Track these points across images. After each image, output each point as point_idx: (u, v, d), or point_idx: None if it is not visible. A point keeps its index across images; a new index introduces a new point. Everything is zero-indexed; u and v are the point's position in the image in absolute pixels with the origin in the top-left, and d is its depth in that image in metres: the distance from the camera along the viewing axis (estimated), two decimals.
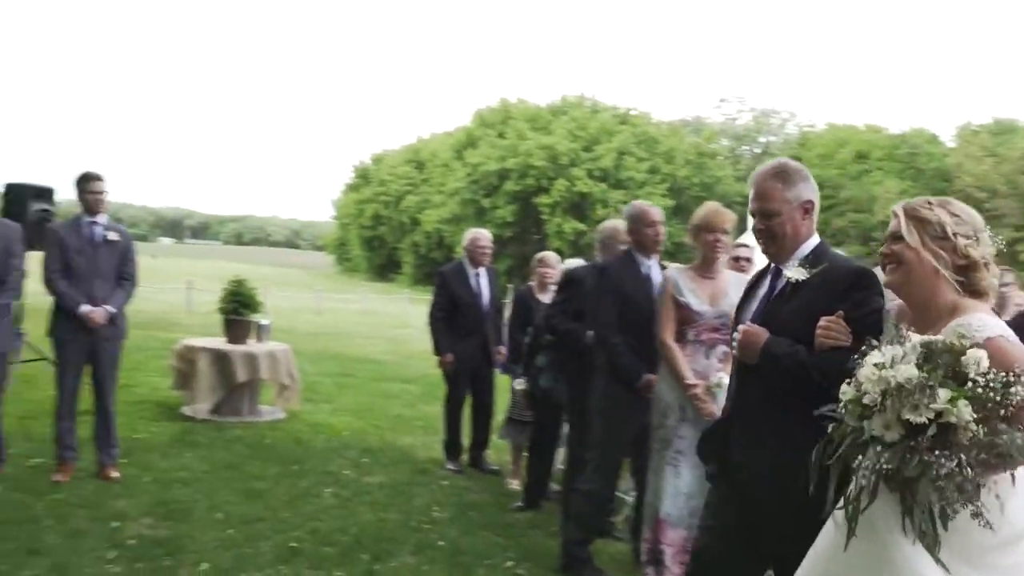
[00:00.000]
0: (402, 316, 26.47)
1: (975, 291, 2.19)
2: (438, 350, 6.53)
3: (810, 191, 2.71)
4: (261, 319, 7.90)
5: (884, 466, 1.91)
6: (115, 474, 5.34)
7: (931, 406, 1.87)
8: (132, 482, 5.28)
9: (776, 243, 2.71)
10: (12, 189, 8.08)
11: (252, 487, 5.38)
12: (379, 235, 65.88)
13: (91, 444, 5.46)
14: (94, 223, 5.39)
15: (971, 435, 1.85)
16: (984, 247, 2.19)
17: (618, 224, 5.06)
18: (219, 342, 7.58)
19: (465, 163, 55.65)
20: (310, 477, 5.74)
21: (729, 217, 4.13)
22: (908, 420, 1.89)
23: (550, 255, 6.38)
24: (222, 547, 4.30)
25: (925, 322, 2.19)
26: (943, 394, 1.87)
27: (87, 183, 5.40)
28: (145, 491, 5.12)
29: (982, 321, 2.07)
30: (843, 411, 2.04)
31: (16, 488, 4.94)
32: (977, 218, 2.23)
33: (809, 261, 2.65)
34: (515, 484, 5.92)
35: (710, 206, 4.19)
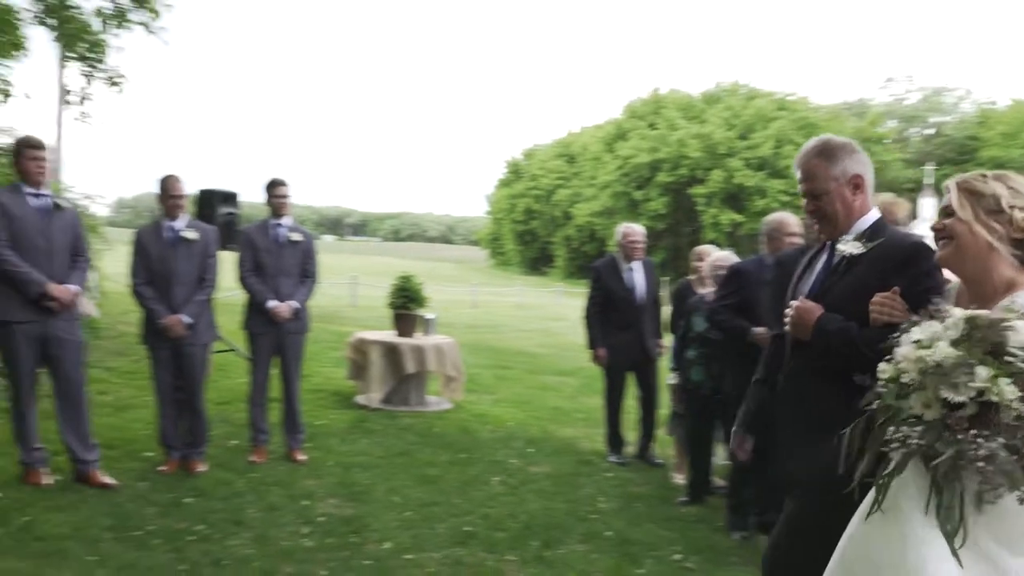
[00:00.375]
0: (556, 309, 26.76)
1: None
2: (591, 344, 6.62)
3: (859, 165, 2.64)
4: (427, 313, 8.26)
5: (916, 442, 1.84)
6: (302, 457, 5.77)
7: (971, 384, 1.78)
8: (317, 464, 5.69)
9: (828, 222, 2.65)
10: (204, 194, 8.82)
11: (425, 473, 5.66)
12: (531, 229, 66.66)
13: (280, 429, 5.92)
14: (279, 225, 5.83)
15: (1016, 414, 1.75)
16: None
17: (784, 216, 4.96)
18: (389, 335, 7.99)
19: (616, 155, 55.37)
20: (478, 465, 5.97)
21: (903, 207, 3.97)
22: (947, 399, 1.81)
23: (706, 248, 6.30)
24: (402, 528, 4.58)
25: (981, 299, 2.09)
26: (983, 372, 1.78)
27: (274, 188, 5.86)
28: (329, 473, 5.51)
29: None
30: (882, 389, 1.98)
31: (219, 466, 5.44)
32: None
33: (866, 236, 2.58)
34: (680, 478, 5.93)
35: (885, 198, 4.03)
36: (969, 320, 1.89)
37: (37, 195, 4.81)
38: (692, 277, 6.14)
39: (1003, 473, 1.76)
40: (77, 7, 9.32)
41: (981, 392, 1.78)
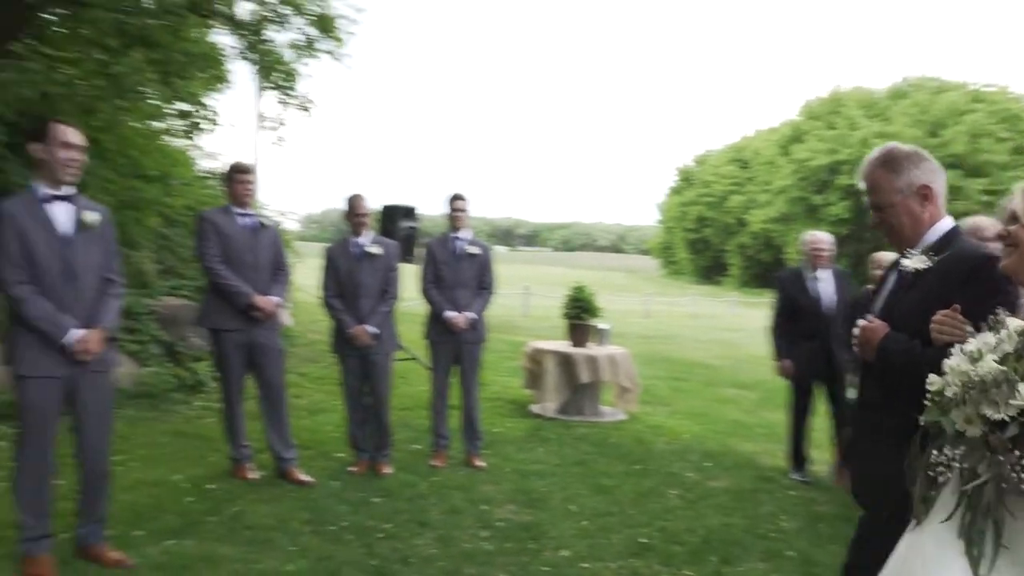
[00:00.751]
0: (732, 319, 26.03)
1: None
2: (776, 355, 6.37)
3: (926, 174, 2.49)
4: (601, 323, 8.27)
5: (959, 465, 1.76)
6: (480, 463, 5.93)
7: (1011, 402, 1.67)
8: (495, 471, 5.83)
9: (895, 235, 2.55)
10: (386, 210, 9.28)
11: (600, 483, 5.66)
12: (704, 237, 65.27)
13: (459, 435, 6.11)
14: (458, 238, 6.04)
15: None
16: None
17: (979, 221, 4.57)
18: (564, 345, 8.07)
19: (791, 159, 53.20)
20: (654, 477, 5.90)
21: (992, 227, 3.57)
22: (987, 416, 1.70)
23: (885, 255, 5.88)
24: (578, 536, 4.60)
25: None
26: None
27: (452, 202, 6.07)
28: (507, 480, 5.62)
29: None
30: (927, 403, 1.89)
31: (403, 469, 5.69)
32: None
33: (933, 248, 2.43)
34: None
35: (976, 222, 3.66)
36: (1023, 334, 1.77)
37: (244, 215, 5.26)
38: (871, 287, 5.77)
39: None
40: (272, 41, 10.10)
41: (1022, 411, 1.67)
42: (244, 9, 10.16)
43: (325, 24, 9.98)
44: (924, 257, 2.45)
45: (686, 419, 8.31)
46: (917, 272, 2.46)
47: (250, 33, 9.91)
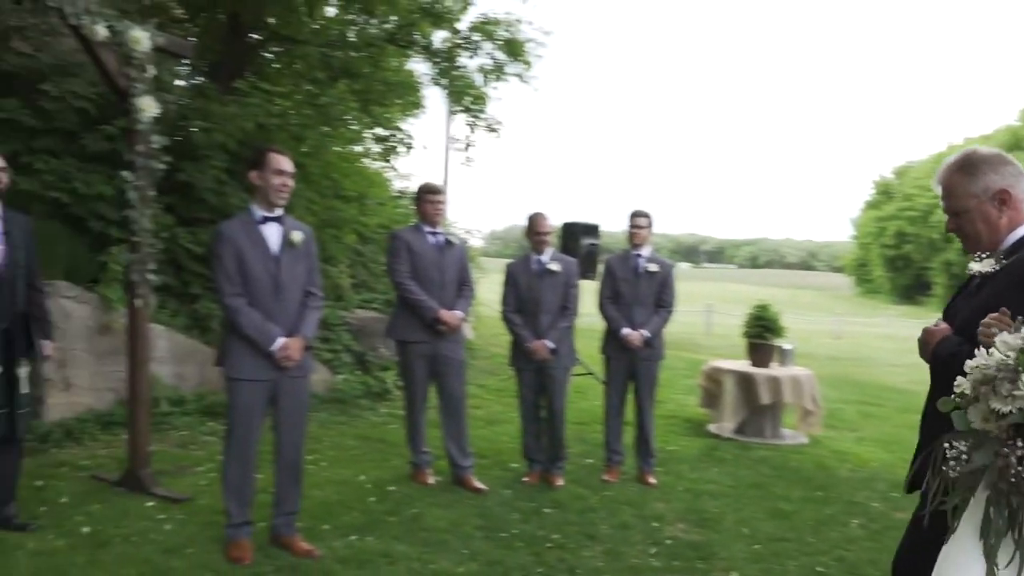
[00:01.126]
0: None
1: None
2: None
3: (1006, 178, 2.37)
4: (784, 343, 8.01)
5: (965, 457, 1.78)
6: (653, 480, 5.92)
7: (1015, 393, 1.70)
8: (667, 489, 5.80)
9: (970, 241, 2.44)
10: (567, 227, 9.46)
11: (777, 507, 5.50)
12: (904, 254, 61.09)
13: (632, 451, 6.13)
14: (638, 255, 6.07)
15: None
16: None
17: None
18: (744, 364, 7.88)
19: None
20: (835, 505, 5.65)
21: None
22: (997, 410, 1.73)
23: None
24: (749, 560, 4.50)
25: None
26: None
27: (632, 219, 6.09)
28: (679, 498, 5.58)
29: None
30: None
31: (575, 482, 5.78)
32: None
33: (1006, 253, 2.33)
34: None
35: None
36: None
37: (433, 233, 5.57)
38: None
39: None
40: (464, 66, 10.62)
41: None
42: (437, 37, 10.78)
43: (514, 49, 10.37)
44: (992, 261, 2.36)
45: (874, 446, 7.86)
46: (984, 276, 2.38)
47: (443, 60, 10.48)
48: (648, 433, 6.06)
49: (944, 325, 2.44)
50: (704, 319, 25.30)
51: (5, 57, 7.38)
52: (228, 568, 3.94)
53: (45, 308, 4.52)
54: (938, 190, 2.53)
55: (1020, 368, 1.74)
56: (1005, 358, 1.77)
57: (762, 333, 7.87)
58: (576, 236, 9.24)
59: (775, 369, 7.76)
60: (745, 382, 7.61)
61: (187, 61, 7.59)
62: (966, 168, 2.43)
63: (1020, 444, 1.72)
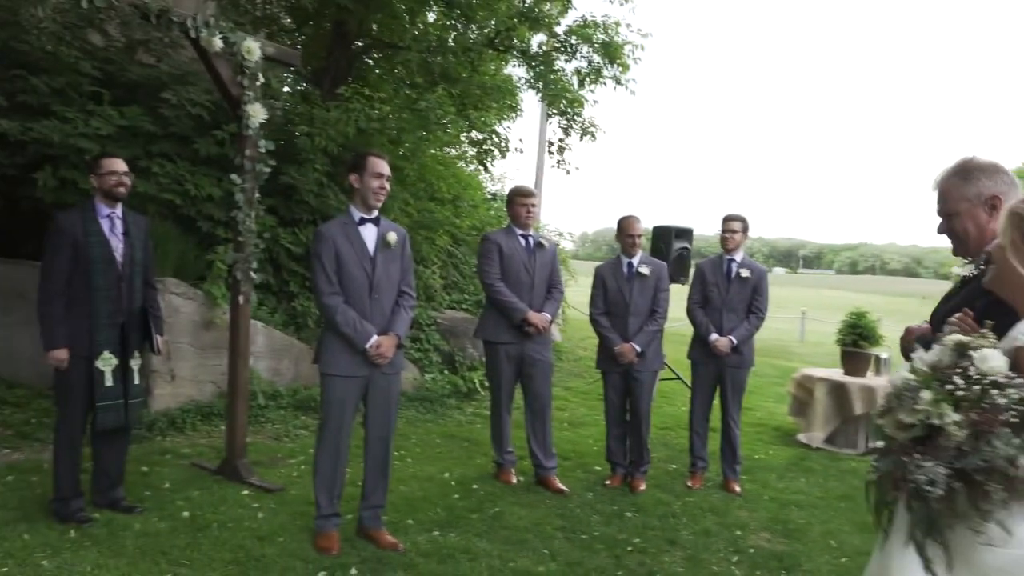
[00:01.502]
0: None
1: None
2: None
3: (998, 186, 2.47)
4: (881, 352, 7.79)
5: (877, 467, 1.96)
6: (737, 488, 5.86)
7: (915, 407, 1.88)
8: (752, 497, 5.75)
9: (960, 244, 2.55)
10: (658, 231, 9.42)
11: (866, 520, 5.25)
12: None
13: (717, 458, 6.09)
14: (731, 260, 6.02)
15: (958, 440, 1.82)
16: None
17: None
18: (836, 373, 7.71)
19: None
20: None
21: None
22: (904, 422, 1.91)
23: None
24: (835, 573, 4.43)
25: None
26: (926, 395, 1.88)
27: (725, 223, 6.03)
28: (764, 507, 5.53)
29: None
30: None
31: (657, 487, 5.79)
32: None
33: (986, 257, 2.35)
34: None
35: None
36: (958, 345, 1.94)
37: (525, 236, 5.68)
38: None
39: (947, 503, 1.83)
40: (561, 70, 10.67)
41: (928, 415, 1.87)
42: (535, 41, 10.88)
43: (612, 52, 10.35)
44: (971, 264, 2.47)
45: None
46: (964, 279, 2.53)
47: (539, 64, 10.55)
48: (734, 440, 6.01)
49: (926, 326, 2.59)
50: (798, 326, 24.62)
51: (130, 68, 7.86)
52: (316, 557, 4.13)
53: (159, 304, 4.83)
54: (934, 194, 2.63)
55: (924, 385, 1.91)
56: (912, 375, 1.95)
57: (857, 341, 7.68)
58: (667, 239, 9.18)
59: (870, 378, 7.56)
60: (837, 391, 7.44)
61: (293, 68, 7.90)
62: (962, 173, 2.55)
63: (917, 456, 1.87)
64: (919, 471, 1.85)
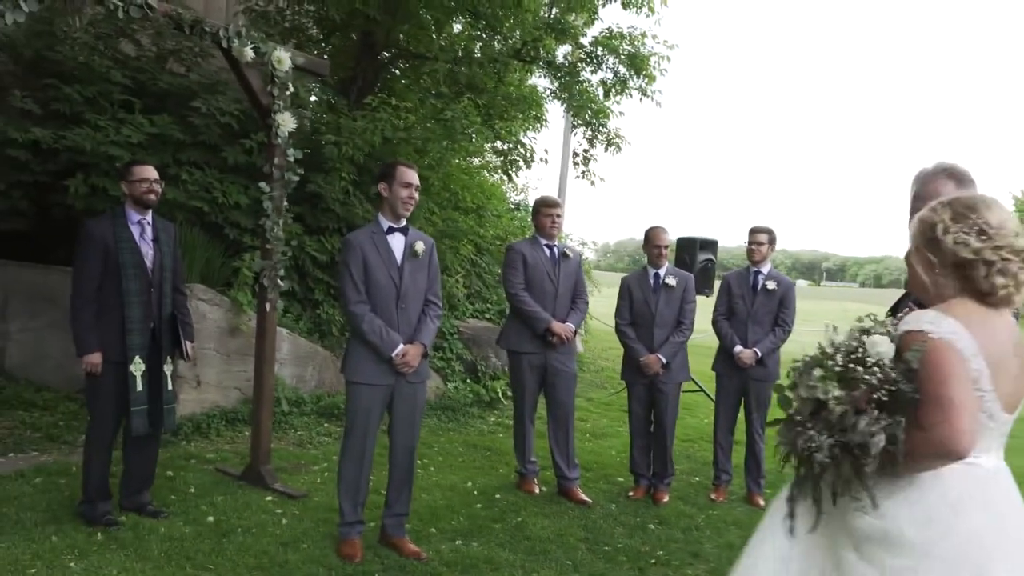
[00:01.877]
0: None
1: (978, 290, 2.08)
2: None
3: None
4: None
5: (782, 437, 2.17)
6: (761, 501, 5.79)
7: (807, 384, 2.08)
8: None
9: None
10: (682, 242, 9.39)
11: None
12: None
13: (741, 471, 6.05)
14: (758, 272, 5.99)
15: (837, 414, 2.02)
16: (991, 243, 2.05)
17: None
18: None
19: None
20: None
21: None
22: (804, 397, 2.11)
23: None
24: None
25: None
26: (816, 373, 2.08)
27: (751, 235, 6.01)
28: None
29: (921, 316, 2.07)
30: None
31: (681, 499, 5.77)
32: (994, 215, 2.08)
33: None
34: None
35: None
36: (863, 332, 2.13)
37: (550, 246, 5.69)
38: None
39: (837, 472, 2.06)
40: (587, 81, 10.67)
41: (815, 391, 2.07)
42: (560, 52, 10.88)
43: (638, 63, 10.33)
44: None
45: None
46: None
47: (565, 75, 10.56)
48: (759, 453, 5.96)
49: None
50: (824, 339, 24.42)
51: (160, 77, 7.97)
52: (339, 564, 4.15)
53: (188, 310, 4.88)
54: (913, 193, 2.71)
55: (816, 363, 2.11)
56: (816, 353, 2.15)
57: None
58: (692, 251, 9.16)
59: None
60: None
61: (321, 78, 7.96)
62: (956, 177, 2.64)
63: (810, 425, 2.07)
64: (808, 440, 2.06)
